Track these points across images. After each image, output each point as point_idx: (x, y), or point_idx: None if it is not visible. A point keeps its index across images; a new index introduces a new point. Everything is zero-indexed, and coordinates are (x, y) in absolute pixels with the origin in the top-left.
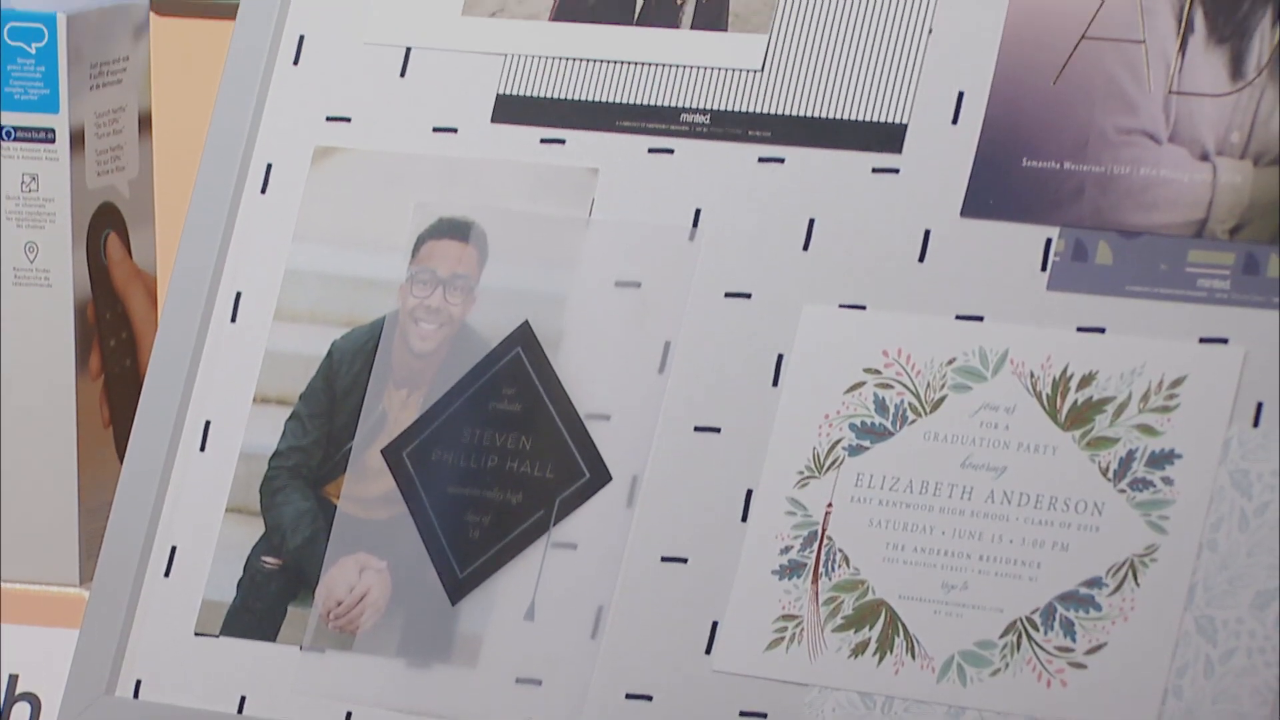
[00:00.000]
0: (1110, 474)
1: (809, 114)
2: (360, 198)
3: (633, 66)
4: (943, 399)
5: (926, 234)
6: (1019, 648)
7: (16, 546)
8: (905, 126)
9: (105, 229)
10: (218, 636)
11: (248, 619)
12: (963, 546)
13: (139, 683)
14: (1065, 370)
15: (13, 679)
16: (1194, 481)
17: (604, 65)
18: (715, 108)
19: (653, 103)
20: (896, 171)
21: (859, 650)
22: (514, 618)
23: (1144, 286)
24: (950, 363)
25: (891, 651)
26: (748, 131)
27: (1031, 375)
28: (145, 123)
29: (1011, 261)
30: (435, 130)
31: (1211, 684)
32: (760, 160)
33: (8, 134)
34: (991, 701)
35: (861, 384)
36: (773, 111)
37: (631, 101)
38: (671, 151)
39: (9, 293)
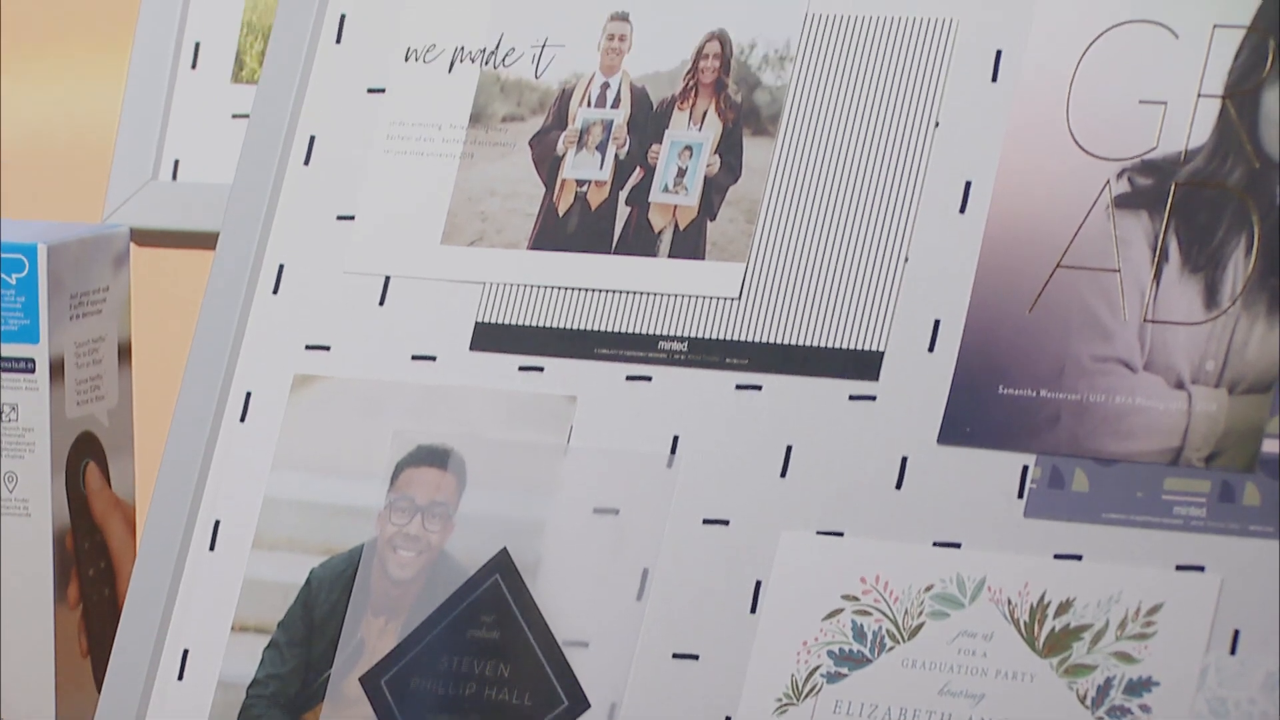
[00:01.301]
0: (1088, 701)
1: (786, 341)
2: (339, 425)
3: (611, 294)
4: (920, 626)
5: (904, 461)
6: None
7: None
8: (882, 354)
9: (84, 458)
10: None
11: None
12: None
13: None
14: (1043, 597)
15: None
16: (1172, 709)
17: (582, 293)
18: (693, 335)
19: (631, 330)
20: (873, 399)
21: None
22: None
23: (1120, 514)
24: (928, 589)
25: None
26: (725, 359)
27: (1009, 602)
28: (125, 352)
29: (988, 488)
30: (414, 358)
31: None
32: (738, 387)
33: None
34: None
35: (839, 610)
36: (750, 339)
37: (609, 329)
38: (649, 379)
39: None
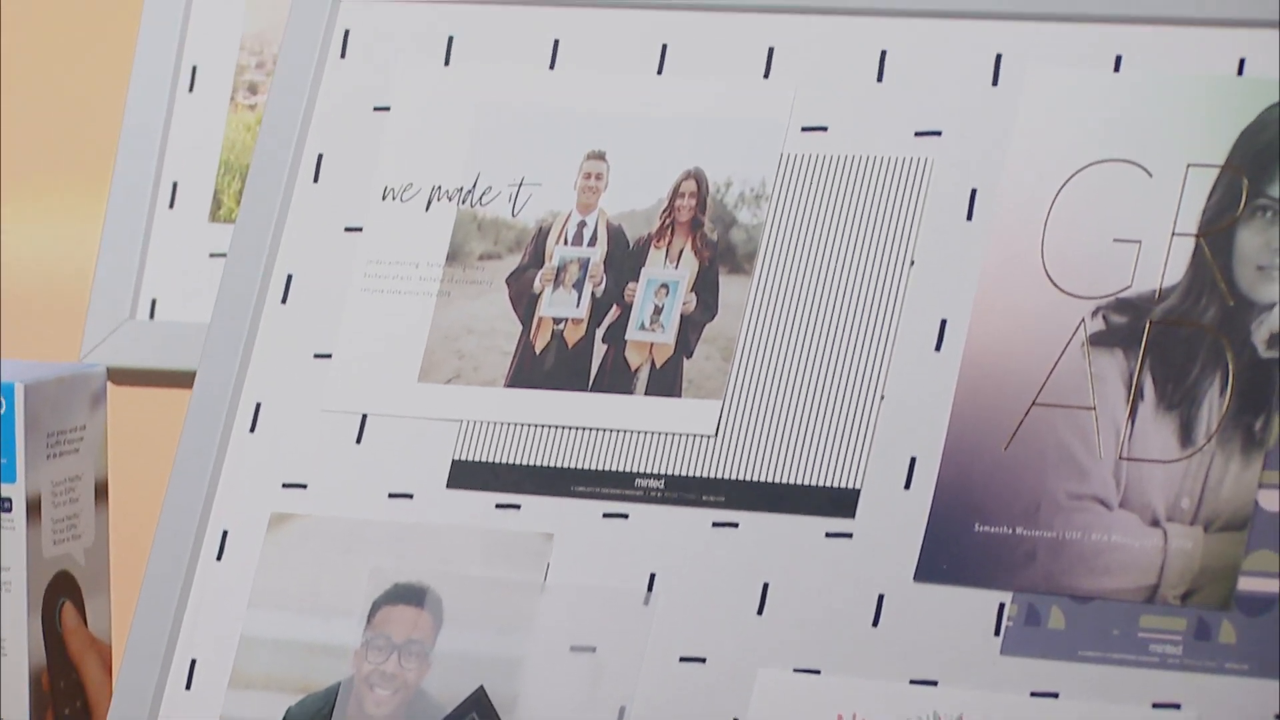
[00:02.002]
0: None
1: (763, 479)
2: (316, 564)
3: (587, 432)
4: None
5: (880, 598)
6: None
7: None
8: (858, 492)
9: (60, 598)
10: None
11: None
12: None
13: None
14: None
15: None
16: None
17: (559, 431)
18: (669, 473)
19: (607, 468)
20: (850, 536)
21: None
22: None
23: (1097, 651)
24: None
25: None
26: (702, 496)
27: None
28: (102, 490)
29: (965, 626)
30: (391, 496)
31: None
32: (714, 525)
33: None
34: None
35: None
36: (727, 476)
37: (586, 467)
38: (626, 516)
39: None
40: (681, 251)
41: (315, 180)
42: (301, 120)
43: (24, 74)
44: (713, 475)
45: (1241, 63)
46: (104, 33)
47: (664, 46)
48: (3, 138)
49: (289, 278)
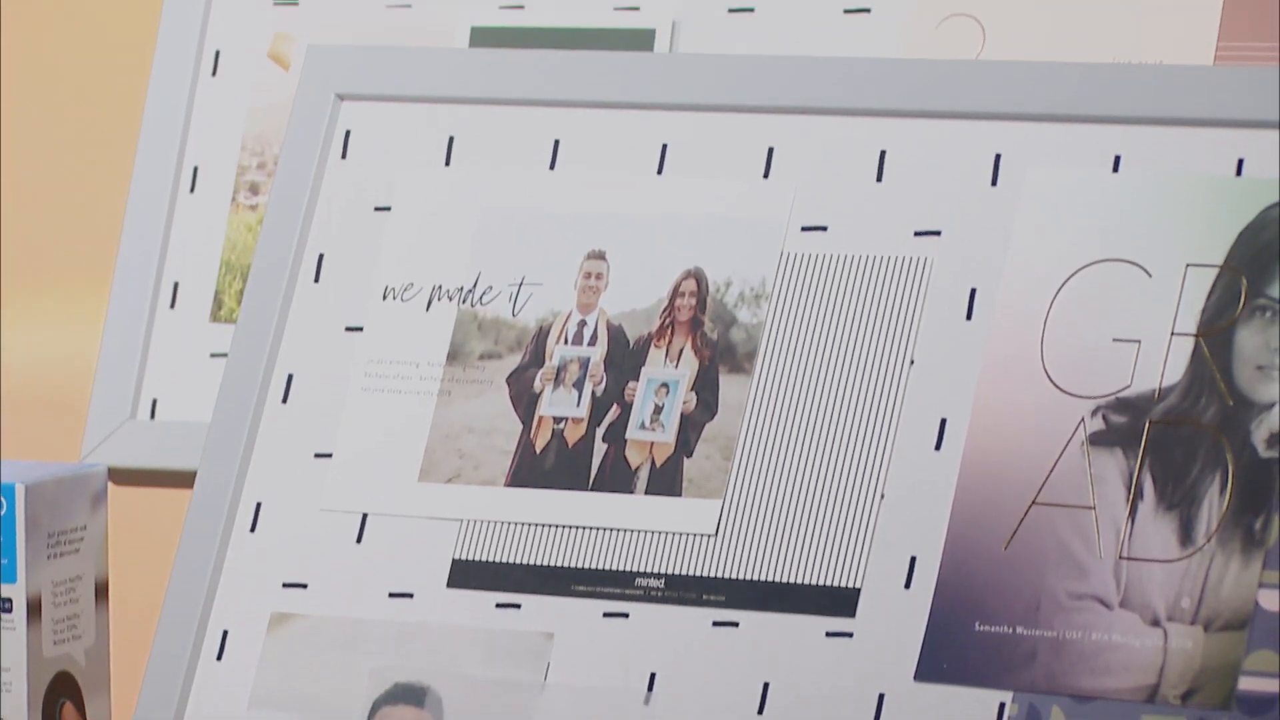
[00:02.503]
0: None
1: (763, 578)
2: (316, 663)
3: (588, 531)
4: None
5: (881, 698)
6: None
7: None
8: (858, 591)
9: (61, 698)
10: None
11: None
12: None
13: None
14: None
15: None
16: None
17: (559, 530)
18: (670, 572)
19: (608, 567)
20: (850, 635)
21: None
22: None
23: None
24: None
25: None
26: (702, 596)
27: None
28: (102, 590)
29: None
30: (391, 595)
31: None
32: (715, 624)
33: None
34: None
35: None
36: (727, 576)
37: (586, 566)
38: (626, 616)
39: None
40: (682, 351)
41: (316, 280)
42: (303, 220)
43: (25, 171)
44: (713, 574)
45: (1240, 163)
46: (107, 131)
47: (664, 146)
48: (3, 236)
49: (290, 377)
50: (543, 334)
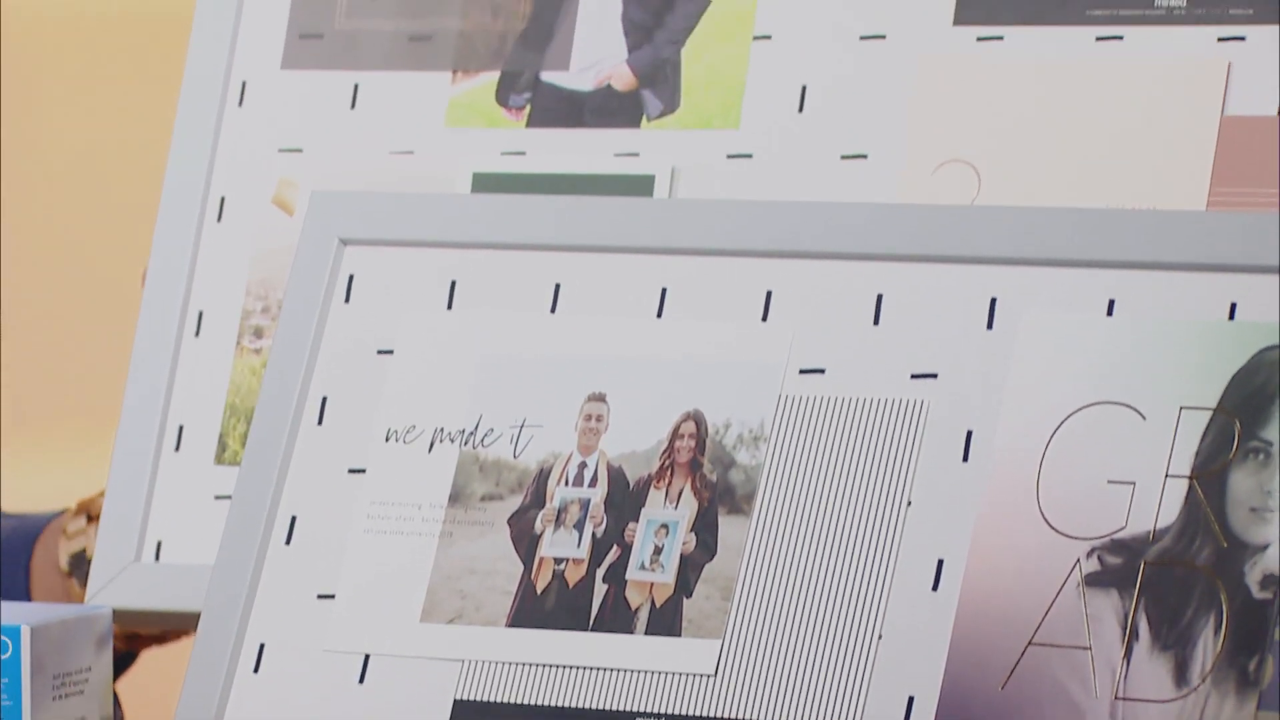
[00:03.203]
0: None
1: (763, 718)
2: None
3: (588, 671)
4: None
5: None
6: None
7: None
8: None
9: None
10: None
11: None
12: None
13: None
14: None
15: None
16: None
17: (560, 670)
18: (670, 712)
19: (609, 707)
20: None
21: None
22: None
23: None
24: None
25: None
26: None
27: None
28: None
29: None
30: None
31: None
32: None
33: None
34: None
35: None
36: (727, 715)
37: (588, 706)
38: None
39: None
40: (681, 492)
41: (319, 423)
42: (306, 364)
43: (32, 315)
44: (713, 714)
45: (1233, 307)
46: (113, 276)
47: (664, 290)
48: (9, 379)
49: (293, 519)
50: (544, 476)
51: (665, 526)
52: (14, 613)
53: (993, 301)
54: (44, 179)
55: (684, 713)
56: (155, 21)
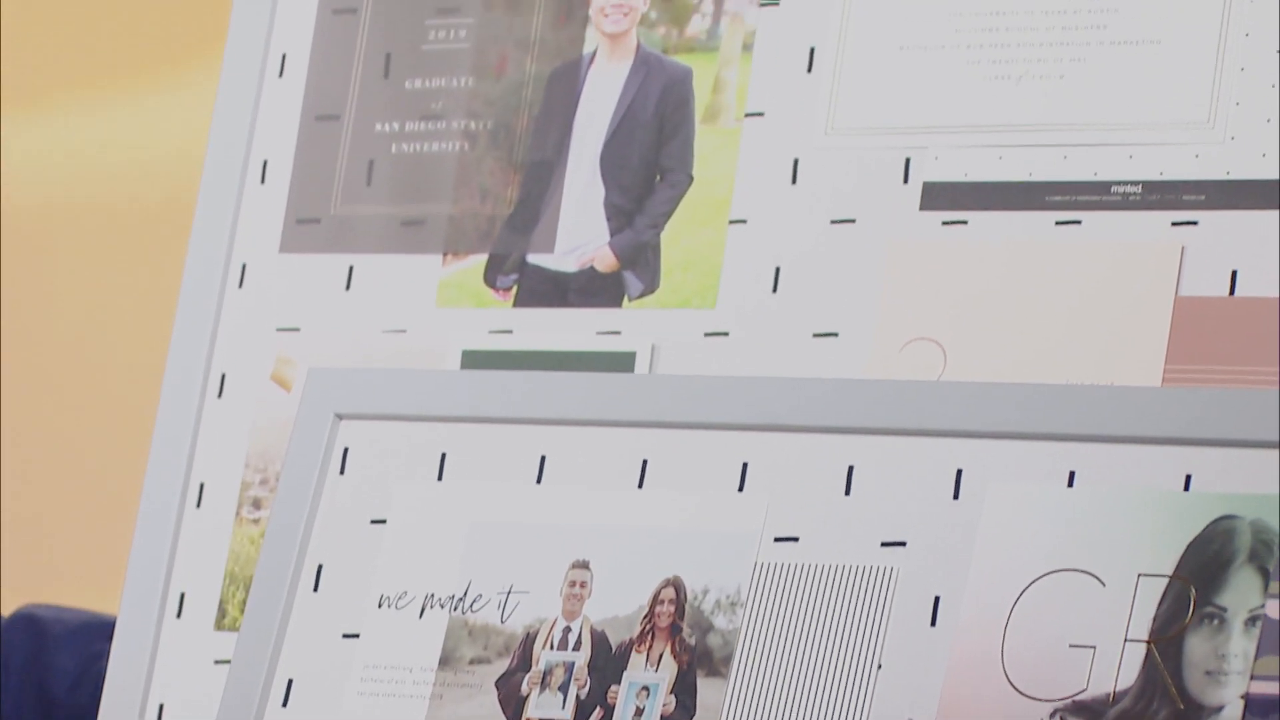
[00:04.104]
0: None
1: None
2: None
3: None
4: None
5: None
6: None
7: None
8: None
9: None
10: None
11: None
12: None
13: None
14: None
15: None
16: None
17: None
18: None
19: None
20: None
21: None
22: None
23: None
24: None
25: None
26: None
27: None
28: None
29: None
30: None
31: None
32: None
33: None
34: None
35: None
36: None
37: None
38: None
39: None
40: (661, 655)
41: (315, 589)
42: (303, 533)
43: (39, 491)
44: None
45: (1188, 478)
46: (119, 451)
47: (644, 462)
48: (15, 550)
49: (290, 682)
50: (530, 640)
51: (646, 689)
52: None
53: (959, 473)
54: (49, 356)
55: None
56: (159, 208)
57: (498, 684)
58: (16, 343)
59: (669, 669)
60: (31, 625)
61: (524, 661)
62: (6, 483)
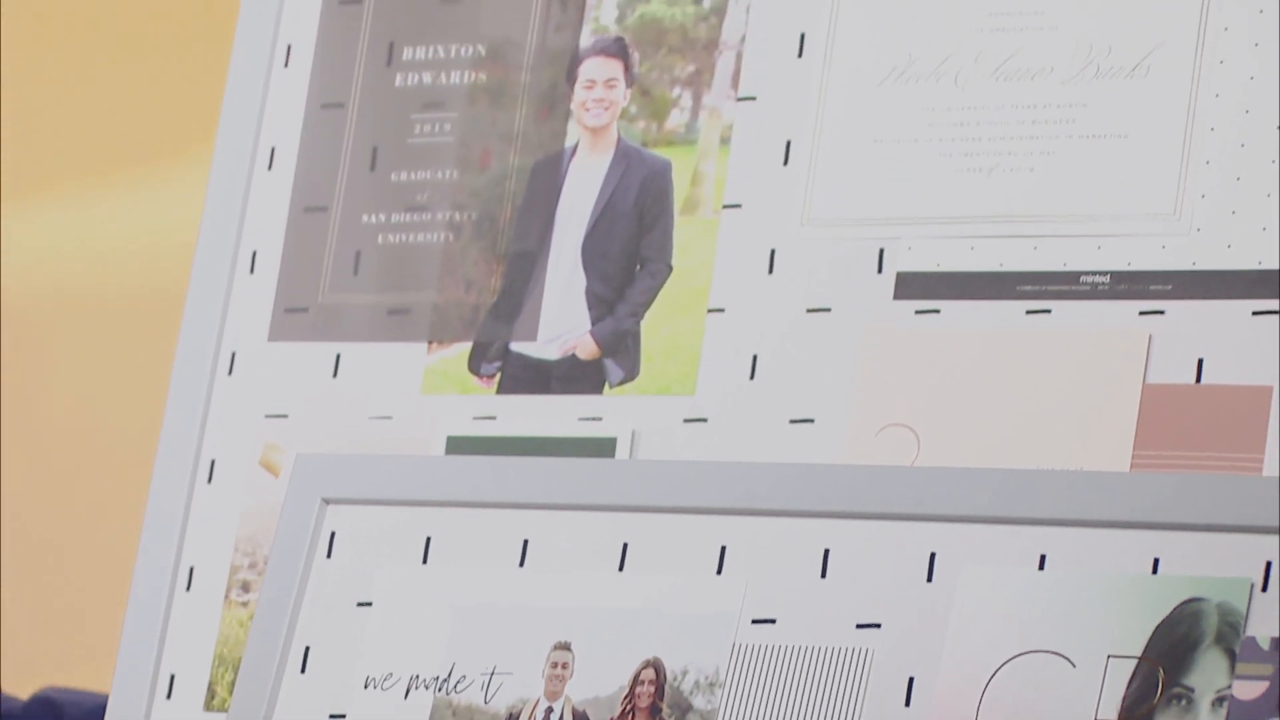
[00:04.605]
0: None
1: None
2: None
3: None
4: None
5: None
6: None
7: None
8: None
9: None
10: None
11: None
12: None
13: None
14: None
15: None
16: None
17: None
18: None
19: None
20: None
21: None
22: None
23: None
24: None
25: None
26: None
27: None
28: None
29: None
30: None
31: None
32: None
33: None
34: None
35: None
36: None
37: None
38: None
39: None
40: None
41: (303, 671)
42: (290, 616)
43: (31, 572)
44: None
45: (1156, 562)
46: (110, 537)
47: (625, 545)
48: (8, 631)
49: None
50: None
51: None
52: None
53: (932, 556)
54: (44, 440)
55: None
56: (151, 297)
57: None
58: (12, 426)
59: None
60: (49, 709)
61: None
62: (6, 565)
